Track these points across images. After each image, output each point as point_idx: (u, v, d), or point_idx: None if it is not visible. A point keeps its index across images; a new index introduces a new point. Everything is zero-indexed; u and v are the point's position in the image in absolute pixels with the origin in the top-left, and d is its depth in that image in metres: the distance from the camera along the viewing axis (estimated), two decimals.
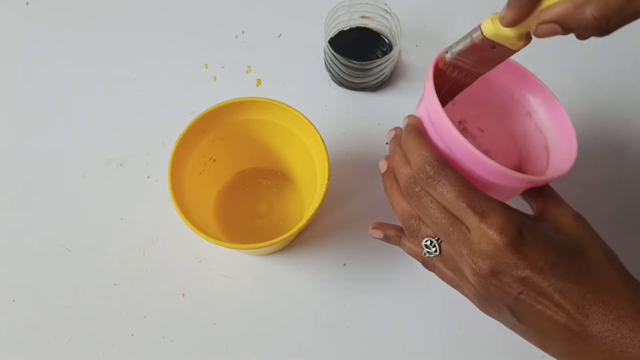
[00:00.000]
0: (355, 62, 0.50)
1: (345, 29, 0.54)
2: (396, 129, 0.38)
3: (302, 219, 0.39)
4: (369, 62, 0.50)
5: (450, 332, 0.44)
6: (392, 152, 0.37)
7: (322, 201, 0.39)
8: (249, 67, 0.56)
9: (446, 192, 0.31)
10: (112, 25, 0.58)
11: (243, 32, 0.58)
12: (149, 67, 0.56)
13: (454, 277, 0.34)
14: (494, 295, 0.31)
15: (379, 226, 0.39)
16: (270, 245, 0.38)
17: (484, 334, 0.43)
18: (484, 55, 0.32)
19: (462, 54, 0.33)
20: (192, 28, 0.58)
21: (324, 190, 0.39)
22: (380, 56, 0.52)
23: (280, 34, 0.58)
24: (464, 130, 0.43)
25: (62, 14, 0.59)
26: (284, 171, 0.50)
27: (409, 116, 0.37)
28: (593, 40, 0.29)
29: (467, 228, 0.31)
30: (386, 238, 0.39)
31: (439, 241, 0.34)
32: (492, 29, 0.31)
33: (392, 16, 0.51)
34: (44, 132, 0.52)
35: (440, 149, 0.34)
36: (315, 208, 0.39)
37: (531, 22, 0.29)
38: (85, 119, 0.53)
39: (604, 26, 0.26)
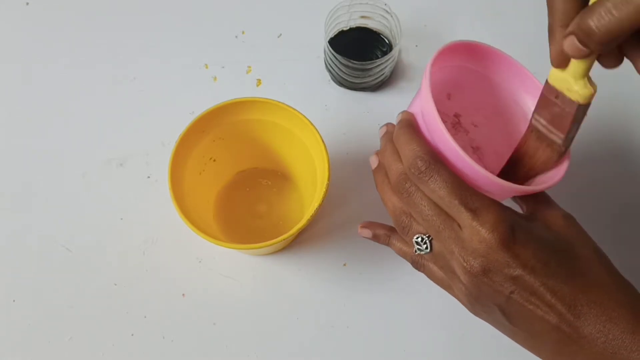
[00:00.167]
0: (355, 62, 0.50)
1: (345, 29, 0.54)
2: (387, 125, 0.37)
3: (302, 219, 0.39)
4: (369, 62, 0.50)
5: (450, 332, 0.44)
6: (383, 148, 0.36)
7: (322, 201, 0.39)
8: (249, 67, 0.56)
9: (438, 188, 0.31)
10: (112, 25, 0.58)
11: (243, 32, 0.58)
12: (149, 67, 0.56)
13: (444, 277, 0.34)
14: (485, 295, 0.31)
15: (368, 225, 0.39)
16: (270, 245, 0.38)
17: (484, 334, 0.43)
18: (553, 110, 0.31)
19: (536, 109, 0.32)
20: (192, 28, 0.58)
21: (324, 190, 0.39)
22: (380, 56, 0.52)
23: (280, 34, 0.58)
24: (457, 125, 0.42)
25: (62, 14, 0.59)
26: (284, 171, 0.50)
27: (403, 112, 0.36)
28: None
29: (459, 225, 0.31)
30: (375, 237, 0.38)
31: (430, 238, 0.33)
32: (552, 73, 0.30)
33: (392, 16, 0.51)
34: (44, 132, 0.52)
35: (433, 145, 0.33)
36: (315, 208, 0.39)
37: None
38: (85, 119, 0.53)
39: (603, 35, 0.25)
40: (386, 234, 0.38)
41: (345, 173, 0.50)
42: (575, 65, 0.29)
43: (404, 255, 0.37)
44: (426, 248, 0.33)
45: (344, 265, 0.47)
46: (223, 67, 0.56)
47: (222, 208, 0.48)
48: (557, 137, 0.32)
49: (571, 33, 0.27)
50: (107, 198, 0.49)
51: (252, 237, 0.47)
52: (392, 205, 0.35)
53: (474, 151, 0.43)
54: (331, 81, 0.55)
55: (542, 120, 0.33)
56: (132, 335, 0.44)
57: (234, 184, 0.50)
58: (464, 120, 0.42)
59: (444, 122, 0.32)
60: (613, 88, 0.49)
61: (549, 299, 0.29)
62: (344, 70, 0.52)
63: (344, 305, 0.45)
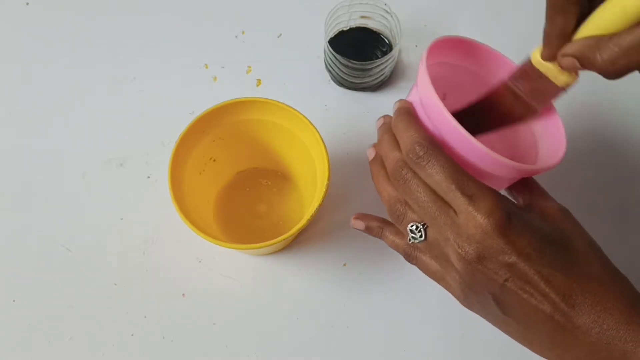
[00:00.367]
0: (355, 62, 0.50)
1: (345, 29, 0.54)
2: (385, 116, 0.37)
3: (302, 219, 0.39)
4: (369, 62, 0.50)
5: (450, 332, 0.44)
6: (380, 138, 0.36)
7: (322, 201, 0.39)
8: (249, 67, 0.56)
9: (435, 173, 0.31)
10: (112, 25, 0.58)
11: (243, 32, 0.58)
12: (149, 67, 0.56)
13: (438, 268, 0.34)
14: (479, 283, 0.30)
15: (361, 217, 0.39)
16: (270, 245, 0.38)
17: (484, 334, 0.43)
18: (535, 85, 0.32)
19: (515, 76, 0.33)
20: (192, 28, 0.58)
21: (324, 190, 0.40)
22: (380, 56, 0.52)
23: (280, 34, 0.58)
24: None
25: (62, 14, 0.59)
26: (284, 171, 0.50)
27: (400, 100, 0.36)
28: None
29: (455, 211, 0.31)
30: (368, 229, 0.38)
31: (425, 226, 0.33)
32: (537, 57, 0.31)
33: (392, 16, 0.51)
34: (44, 132, 0.52)
35: (431, 132, 0.33)
36: (315, 208, 0.39)
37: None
38: (85, 119, 0.53)
39: (609, 70, 0.27)
40: (379, 226, 0.38)
41: (345, 173, 0.50)
42: None
43: (396, 247, 0.36)
44: (420, 236, 0.33)
45: (344, 265, 0.47)
46: (223, 67, 0.56)
47: (222, 208, 0.48)
48: (536, 105, 0.34)
49: (574, 57, 0.29)
50: (107, 198, 0.49)
51: (252, 237, 0.47)
52: (387, 194, 0.35)
53: None
54: (331, 81, 0.55)
55: (520, 87, 0.33)
56: (132, 335, 0.44)
57: (234, 184, 0.50)
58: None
59: None
60: (613, 88, 0.49)
61: (543, 287, 0.29)
62: (344, 70, 0.52)
63: (344, 305, 0.45)
